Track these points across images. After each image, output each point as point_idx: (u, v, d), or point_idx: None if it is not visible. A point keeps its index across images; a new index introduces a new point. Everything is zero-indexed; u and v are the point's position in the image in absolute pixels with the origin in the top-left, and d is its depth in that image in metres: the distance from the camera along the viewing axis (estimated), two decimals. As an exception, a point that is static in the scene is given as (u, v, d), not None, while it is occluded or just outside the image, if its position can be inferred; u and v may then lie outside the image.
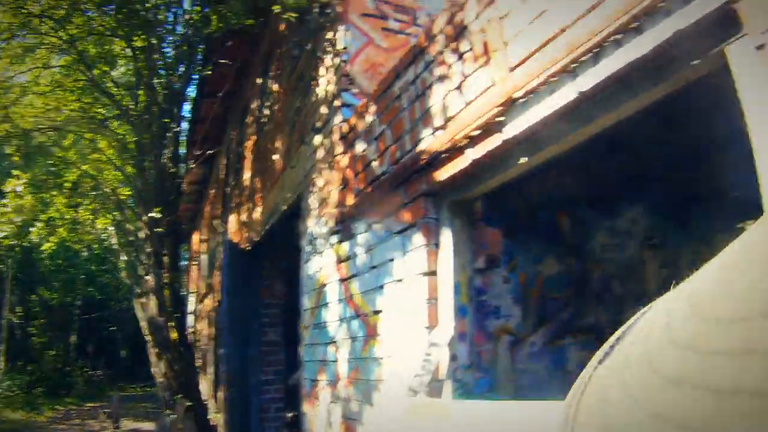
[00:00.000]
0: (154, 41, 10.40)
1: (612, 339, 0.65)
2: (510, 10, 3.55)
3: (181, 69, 11.05)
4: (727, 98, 2.27)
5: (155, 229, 10.29)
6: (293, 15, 7.67)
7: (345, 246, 5.91)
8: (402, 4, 6.86)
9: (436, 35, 4.39)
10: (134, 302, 12.70)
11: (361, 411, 5.22)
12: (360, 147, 5.66)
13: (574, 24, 2.97)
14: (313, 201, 6.97)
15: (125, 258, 14.00)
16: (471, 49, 3.93)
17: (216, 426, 11.23)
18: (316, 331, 6.62)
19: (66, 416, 20.89)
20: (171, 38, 11.03)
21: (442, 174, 4.19)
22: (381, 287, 5.05)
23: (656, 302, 0.64)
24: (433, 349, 4.15)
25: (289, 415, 10.22)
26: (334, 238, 6.19)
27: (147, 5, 10.01)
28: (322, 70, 6.98)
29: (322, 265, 6.54)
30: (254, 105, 11.25)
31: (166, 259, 10.49)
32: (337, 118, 6.32)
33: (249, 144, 11.39)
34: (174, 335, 10.35)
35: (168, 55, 11.12)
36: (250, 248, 10.42)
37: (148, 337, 10.93)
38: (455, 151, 3.97)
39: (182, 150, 13.42)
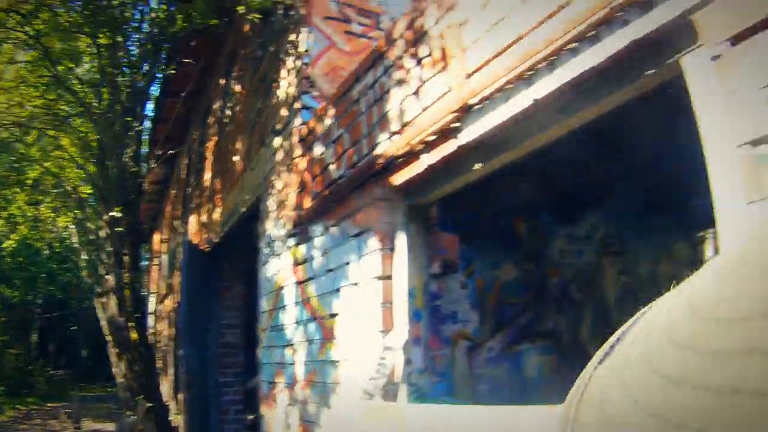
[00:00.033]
0: (119, 39, 10.23)
1: (612, 339, 0.63)
2: (469, 17, 3.51)
3: (145, 67, 10.85)
4: (686, 106, 2.26)
5: (116, 229, 10.08)
6: (257, 16, 7.58)
7: (302, 249, 5.82)
8: (365, 7, 6.80)
9: (396, 40, 4.32)
10: (95, 302, 12.45)
11: (319, 414, 5.16)
12: (318, 150, 5.59)
13: (532, 32, 2.95)
14: (271, 203, 6.86)
15: (86, 257, 13.77)
16: (429, 55, 3.88)
17: (177, 428, 11.04)
18: (274, 334, 6.53)
19: (27, 416, 20.45)
20: (136, 36, 10.87)
21: (398, 179, 4.15)
22: (337, 290, 4.99)
23: (656, 302, 0.63)
24: (387, 353, 4.13)
25: (250, 417, 10.10)
26: (292, 241, 6.10)
27: (114, 2, 9.85)
28: (283, 72, 6.88)
29: (279, 267, 6.44)
30: (217, 105, 11.09)
31: (126, 258, 10.28)
32: (297, 121, 6.23)
33: (210, 144, 11.23)
34: (134, 335, 10.14)
35: (132, 53, 10.95)
36: (209, 249, 10.27)
37: (109, 337, 10.71)
38: (411, 156, 3.94)
39: (144, 149, 13.22)
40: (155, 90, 12.65)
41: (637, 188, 5.54)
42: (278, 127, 6.81)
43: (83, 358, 35.99)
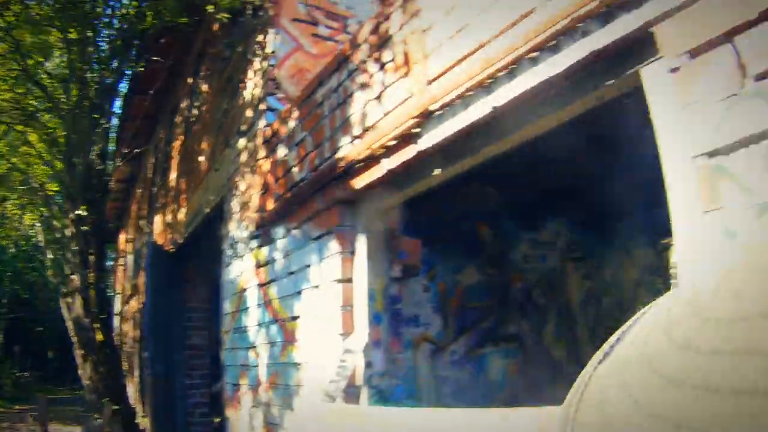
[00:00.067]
0: (89, 34, 10.07)
1: (612, 339, 0.64)
2: (433, 23, 3.47)
3: (115, 64, 10.72)
4: (647, 116, 2.28)
5: (81, 227, 9.92)
6: (226, 15, 7.51)
7: (264, 251, 5.75)
8: (333, 10, 6.75)
9: (360, 44, 4.27)
10: (61, 302, 12.28)
11: (282, 416, 5.11)
12: (282, 152, 5.52)
13: (493, 40, 2.93)
14: (235, 204, 6.76)
15: (51, 256, 13.57)
16: (393, 60, 3.83)
17: (144, 430, 10.90)
18: (237, 336, 6.45)
19: (-6, 419, 20.19)
20: (106, 32, 10.72)
21: (359, 182, 4.11)
22: (299, 293, 4.94)
23: (656, 302, 0.64)
24: (348, 355, 4.11)
25: (216, 420, 9.99)
26: (254, 243, 6.03)
27: (85, -4, 9.71)
28: (250, 73, 6.79)
29: (242, 269, 6.36)
30: (184, 104, 10.92)
31: (92, 258, 10.11)
32: (262, 122, 6.14)
33: (177, 144, 11.05)
34: (100, 337, 9.96)
35: (102, 49, 10.79)
36: (174, 250, 10.12)
37: (75, 338, 10.56)
38: (372, 160, 3.90)
39: (111, 147, 13.06)
40: (123, 87, 12.51)
41: (601, 195, 5.54)
42: (243, 128, 6.70)
43: (50, 360, 35.32)
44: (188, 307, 10.36)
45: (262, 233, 5.82)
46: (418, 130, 3.43)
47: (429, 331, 5.80)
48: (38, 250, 17.05)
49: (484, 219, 6.28)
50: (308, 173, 4.88)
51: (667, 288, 2.03)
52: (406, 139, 3.53)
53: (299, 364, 4.84)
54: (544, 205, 6.58)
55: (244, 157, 6.57)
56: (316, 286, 4.64)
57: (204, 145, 8.73)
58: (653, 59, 2.23)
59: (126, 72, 11.14)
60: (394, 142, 3.64)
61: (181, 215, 9.68)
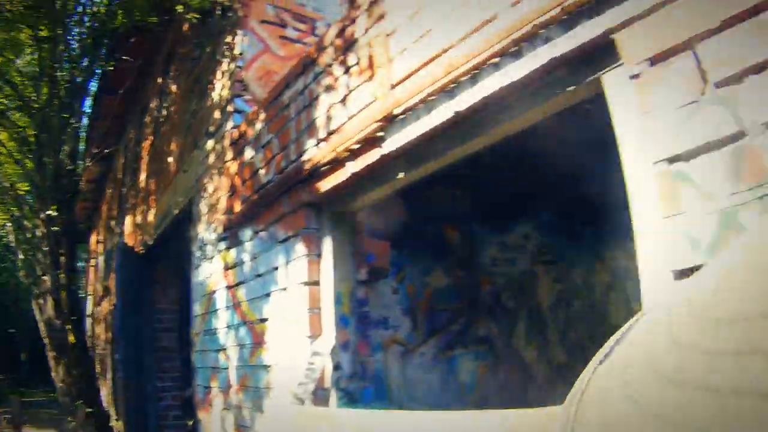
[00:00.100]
0: (60, 31, 9.94)
1: (612, 339, 0.64)
2: (397, 28, 3.44)
3: (85, 62, 10.57)
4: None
5: (52, 228, 9.78)
6: (196, 16, 7.42)
7: (233, 253, 5.67)
8: (302, 12, 6.70)
9: (326, 47, 4.23)
10: (33, 303, 12.08)
11: (253, 418, 5.05)
12: (249, 154, 5.44)
13: (456, 45, 2.92)
14: (203, 206, 6.66)
15: (22, 256, 13.35)
16: (358, 63, 3.80)
17: (117, 433, 10.78)
18: (207, 338, 6.36)
19: (-34, 423, 19.88)
20: (77, 30, 10.58)
21: (324, 185, 4.08)
22: (267, 295, 4.89)
23: (656, 302, 0.64)
24: (316, 358, 4.10)
25: (189, 422, 9.89)
26: (222, 245, 5.94)
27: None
28: (218, 74, 6.69)
29: (211, 271, 6.27)
30: (154, 104, 10.76)
31: (63, 259, 9.97)
32: (229, 124, 6.05)
33: (146, 144, 10.88)
34: (72, 339, 9.81)
35: (73, 47, 10.65)
36: (143, 251, 9.99)
37: (47, 340, 10.41)
38: (337, 163, 3.88)
39: (81, 146, 12.91)
40: (94, 86, 12.36)
41: (572, 198, 5.55)
42: (211, 129, 6.60)
43: (23, 362, 34.85)
44: (158, 309, 10.23)
45: (230, 235, 5.74)
46: (381, 133, 3.40)
47: (398, 333, 5.78)
48: (9, 250, 16.78)
49: (453, 222, 6.27)
50: (275, 175, 4.82)
51: (638, 291, 2.04)
52: (371, 142, 3.51)
53: (269, 367, 4.79)
54: (514, 208, 6.59)
55: (212, 158, 6.47)
56: (284, 289, 4.59)
57: (173, 146, 8.61)
58: (614, 66, 2.24)
59: (96, 71, 10.96)
60: (358, 146, 3.61)
61: (151, 216, 9.53)
